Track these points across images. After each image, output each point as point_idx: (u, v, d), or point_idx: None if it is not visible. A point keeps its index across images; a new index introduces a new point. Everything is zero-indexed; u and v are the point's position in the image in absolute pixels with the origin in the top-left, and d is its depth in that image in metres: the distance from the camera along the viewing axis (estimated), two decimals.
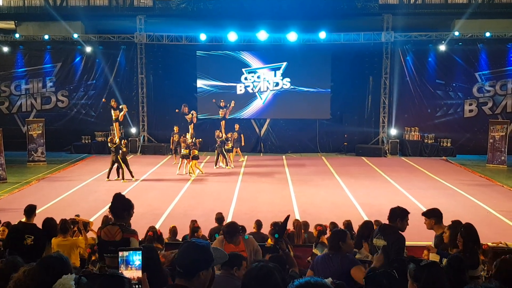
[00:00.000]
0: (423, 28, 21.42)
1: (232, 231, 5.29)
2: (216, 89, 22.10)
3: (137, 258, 2.73)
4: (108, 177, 15.98)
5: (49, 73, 22.57)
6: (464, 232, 5.26)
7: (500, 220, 11.43)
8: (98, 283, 2.33)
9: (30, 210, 6.78)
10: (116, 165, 16.03)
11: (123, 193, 4.87)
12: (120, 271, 2.70)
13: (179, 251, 2.80)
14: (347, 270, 4.63)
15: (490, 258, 6.22)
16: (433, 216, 6.13)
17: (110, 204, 4.74)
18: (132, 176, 15.98)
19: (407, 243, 5.62)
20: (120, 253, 2.74)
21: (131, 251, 2.76)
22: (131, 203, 4.76)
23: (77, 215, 8.24)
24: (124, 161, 15.96)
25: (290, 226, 8.55)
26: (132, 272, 2.70)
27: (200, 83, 22.16)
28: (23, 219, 6.84)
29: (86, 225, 7.98)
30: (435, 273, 3.23)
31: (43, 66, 22.53)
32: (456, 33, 20.66)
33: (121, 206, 4.70)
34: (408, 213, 5.65)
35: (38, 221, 7.05)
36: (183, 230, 8.70)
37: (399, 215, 5.56)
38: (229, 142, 18.40)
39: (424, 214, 6.28)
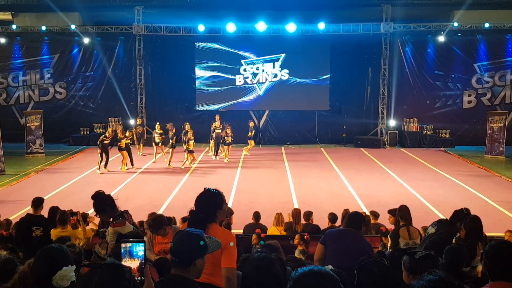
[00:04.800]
0: (422, 19, 21.35)
1: (156, 224, 5.37)
2: (215, 80, 22.05)
3: (140, 249, 2.76)
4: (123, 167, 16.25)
5: (47, 64, 22.47)
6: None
7: (497, 211, 11.48)
8: (99, 272, 2.33)
9: (38, 202, 6.85)
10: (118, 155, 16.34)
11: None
12: (123, 261, 2.71)
13: (173, 240, 2.82)
14: (364, 251, 4.57)
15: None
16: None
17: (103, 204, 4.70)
18: (105, 167, 16.02)
19: None
20: (123, 245, 2.76)
21: (134, 243, 2.78)
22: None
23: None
24: (105, 151, 15.95)
25: (287, 216, 8.59)
26: (136, 262, 2.73)
27: (199, 74, 22.10)
28: (30, 211, 6.88)
29: (86, 217, 7.99)
30: (431, 265, 3.23)
31: (40, 57, 22.42)
32: (455, 24, 20.60)
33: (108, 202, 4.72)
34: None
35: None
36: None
37: (461, 218, 5.57)
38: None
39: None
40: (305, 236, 7.28)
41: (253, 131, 19.40)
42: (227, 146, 17.96)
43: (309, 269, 2.08)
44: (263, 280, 2.71)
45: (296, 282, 2.04)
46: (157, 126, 18.02)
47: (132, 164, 16.58)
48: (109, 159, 16.21)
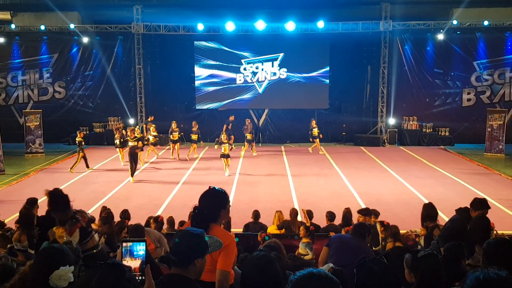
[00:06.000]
0: (421, 17, 21.34)
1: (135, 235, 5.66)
2: (214, 79, 22.03)
3: (140, 248, 2.75)
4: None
5: (46, 64, 22.44)
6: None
7: (497, 209, 11.48)
8: (99, 271, 2.33)
9: (32, 202, 6.85)
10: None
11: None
12: (124, 261, 2.71)
13: (173, 239, 2.81)
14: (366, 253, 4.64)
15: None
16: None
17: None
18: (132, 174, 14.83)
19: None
20: (124, 244, 2.76)
21: (134, 242, 2.77)
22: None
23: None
24: (134, 157, 14.82)
25: (287, 215, 8.60)
26: (137, 262, 2.72)
27: (198, 73, 22.08)
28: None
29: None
30: (433, 264, 3.23)
31: (39, 57, 22.39)
32: (454, 22, 20.59)
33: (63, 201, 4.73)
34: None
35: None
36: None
37: (475, 207, 5.78)
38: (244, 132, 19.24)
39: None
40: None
41: (314, 129, 19.25)
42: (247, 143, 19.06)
43: (308, 272, 2.05)
44: (262, 279, 2.71)
45: (294, 286, 2.02)
46: (136, 129, 16.65)
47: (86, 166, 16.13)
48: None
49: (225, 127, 19.36)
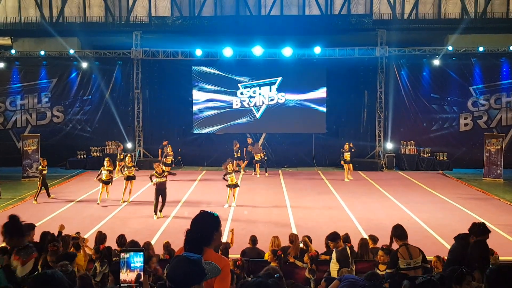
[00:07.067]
0: (417, 43, 21.64)
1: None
2: (212, 104, 22.13)
3: (138, 260, 2.73)
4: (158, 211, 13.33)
5: (45, 88, 22.55)
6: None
7: (497, 234, 11.39)
8: None
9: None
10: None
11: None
12: (121, 273, 2.71)
13: (170, 265, 2.76)
14: None
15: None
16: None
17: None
18: (161, 210, 13.38)
19: None
20: (122, 255, 2.74)
21: (132, 253, 2.76)
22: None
23: (78, 233, 8.20)
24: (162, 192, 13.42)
25: (284, 240, 8.51)
26: (134, 273, 2.70)
27: (196, 97, 22.19)
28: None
29: (82, 241, 7.92)
30: None
31: (38, 81, 22.52)
32: (450, 48, 20.87)
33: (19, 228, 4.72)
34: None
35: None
36: (179, 247, 8.58)
37: (474, 233, 5.75)
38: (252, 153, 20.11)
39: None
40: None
41: (345, 153, 18.86)
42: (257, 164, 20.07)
43: None
44: None
45: None
46: (106, 162, 15.08)
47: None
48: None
49: (245, 150, 20.08)
